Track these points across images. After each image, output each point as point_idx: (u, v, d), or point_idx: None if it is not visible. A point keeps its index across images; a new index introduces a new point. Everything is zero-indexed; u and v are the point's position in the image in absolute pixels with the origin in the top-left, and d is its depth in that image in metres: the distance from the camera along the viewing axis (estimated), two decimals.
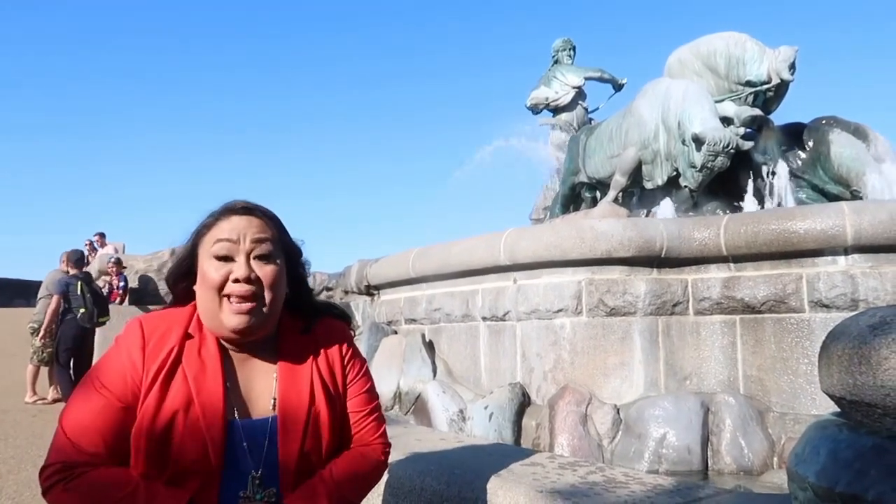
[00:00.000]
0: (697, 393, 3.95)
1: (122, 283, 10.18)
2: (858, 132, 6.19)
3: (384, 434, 1.51)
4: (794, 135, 6.36)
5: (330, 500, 1.31)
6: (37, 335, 7.81)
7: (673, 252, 4.17)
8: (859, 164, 5.88)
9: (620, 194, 6.93)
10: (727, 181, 6.31)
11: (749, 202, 6.07)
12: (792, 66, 6.22)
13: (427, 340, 5.33)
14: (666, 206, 6.26)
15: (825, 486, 1.22)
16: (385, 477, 2.28)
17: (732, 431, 3.70)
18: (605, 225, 4.30)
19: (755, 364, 3.93)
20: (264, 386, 1.37)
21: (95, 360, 5.65)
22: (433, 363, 5.15)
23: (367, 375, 1.52)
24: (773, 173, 6.11)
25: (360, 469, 1.41)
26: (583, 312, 4.20)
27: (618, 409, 3.96)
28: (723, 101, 6.38)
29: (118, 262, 10.35)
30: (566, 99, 9.91)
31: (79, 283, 7.36)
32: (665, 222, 4.44)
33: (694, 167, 5.94)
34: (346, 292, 7.25)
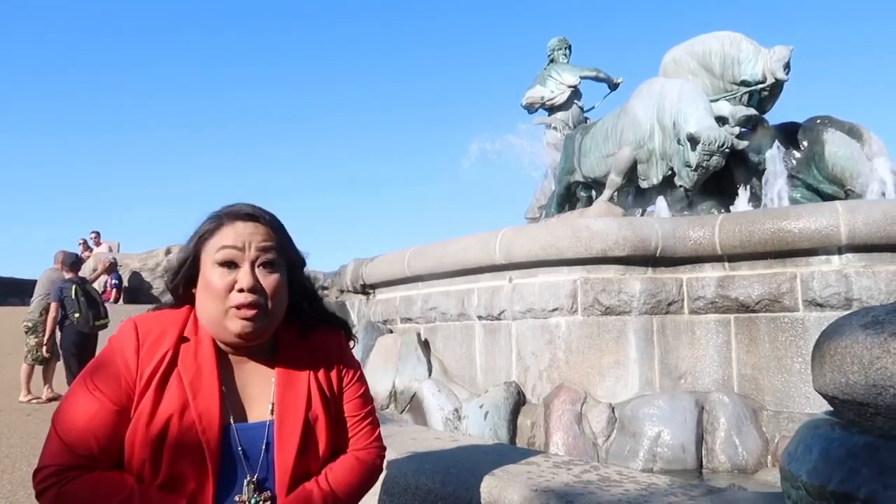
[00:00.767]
0: (692, 392, 3.96)
1: (115, 282, 10.15)
2: (853, 132, 6.21)
3: (379, 438, 1.51)
4: (788, 134, 6.37)
5: None
6: (31, 334, 7.78)
7: (668, 251, 4.18)
8: (854, 163, 5.91)
9: (616, 193, 6.94)
10: (722, 181, 6.33)
11: (743, 201, 6.09)
12: (787, 66, 6.23)
13: (422, 339, 5.33)
14: (661, 206, 6.27)
15: (817, 484, 1.23)
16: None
17: (727, 430, 3.71)
18: (600, 224, 4.31)
19: (749, 363, 3.95)
20: (262, 391, 1.36)
21: None
22: (429, 362, 5.15)
23: (362, 380, 1.52)
24: (765, 171, 6.13)
25: (356, 474, 1.41)
26: (578, 311, 4.21)
27: (613, 408, 3.97)
28: (718, 100, 6.40)
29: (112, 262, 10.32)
30: (562, 98, 9.90)
31: (73, 287, 7.33)
32: (660, 221, 4.45)
33: (689, 166, 5.96)
34: (342, 291, 7.24)
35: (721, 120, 6.19)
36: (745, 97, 6.42)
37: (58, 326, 7.42)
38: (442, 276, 5.24)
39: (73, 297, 7.24)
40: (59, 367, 7.72)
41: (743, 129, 6.29)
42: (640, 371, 4.10)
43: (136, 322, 1.34)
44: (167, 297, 1.44)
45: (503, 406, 4.23)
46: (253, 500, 1.27)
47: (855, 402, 1.24)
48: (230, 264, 1.30)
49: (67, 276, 7.61)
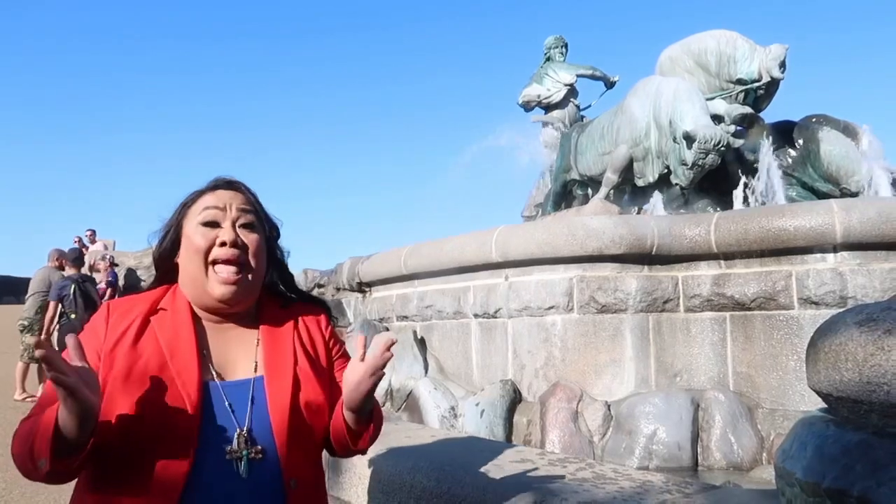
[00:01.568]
0: (688, 390, 3.97)
1: (111, 280, 10.14)
2: (848, 130, 6.23)
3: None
4: (784, 133, 6.39)
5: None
6: (26, 332, 7.76)
7: (664, 249, 4.18)
8: (849, 162, 5.92)
9: (612, 191, 6.95)
10: (718, 179, 6.34)
11: (739, 200, 6.10)
12: (782, 65, 6.25)
13: (419, 337, 5.33)
14: (657, 203, 6.28)
15: (812, 481, 1.23)
16: (373, 472, 2.28)
17: (722, 428, 3.72)
18: (596, 222, 4.31)
19: (745, 361, 3.95)
20: (245, 353, 1.38)
21: None
22: (425, 360, 5.15)
23: (348, 355, 1.54)
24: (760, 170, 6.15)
25: (379, 412, 1.53)
26: (574, 309, 4.21)
27: (609, 406, 3.98)
28: (714, 98, 6.41)
29: (108, 259, 10.30)
30: (558, 96, 9.89)
31: (72, 286, 7.30)
32: (656, 219, 4.45)
33: (685, 165, 5.96)
34: (338, 289, 7.24)
35: (717, 118, 6.20)
36: (741, 95, 6.44)
37: (57, 325, 7.39)
38: (438, 274, 5.24)
39: (72, 296, 7.23)
40: None
41: (738, 128, 6.30)
42: (636, 369, 4.11)
43: (110, 302, 1.40)
44: (155, 277, 1.49)
45: (499, 404, 4.23)
46: (244, 453, 1.25)
47: (849, 400, 1.24)
48: (213, 224, 1.36)
49: (69, 271, 7.59)
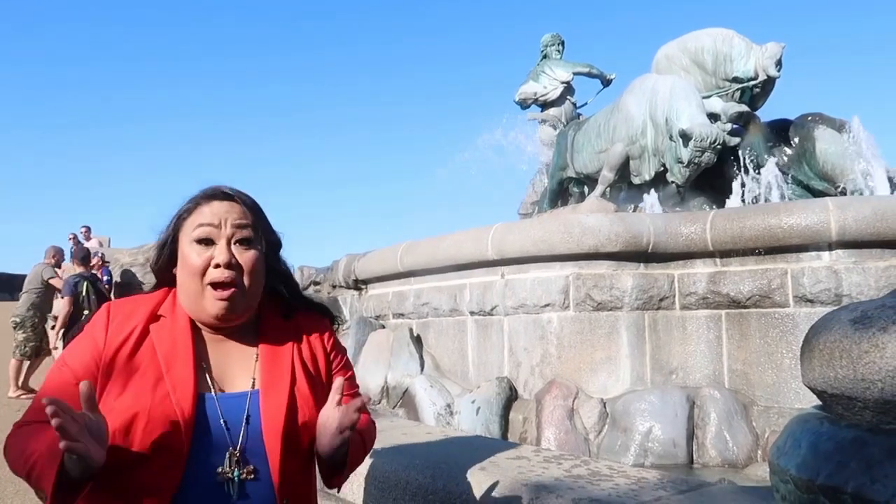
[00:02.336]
0: (683, 387, 3.98)
1: (106, 277, 10.11)
2: (843, 129, 6.23)
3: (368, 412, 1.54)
4: (780, 131, 6.39)
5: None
6: (19, 329, 7.73)
7: (660, 247, 4.19)
8: (845, 160, 5.93)
9: (608, 189, 6.95)
10: (714, 177, 6.34)
11: (735, 198, 6.11)
12: (778, 63, 6.25)
13: (415, 335, 5.33)
14: (652, 201, 6.29)
15: (806, 478, 1.23)
16: (369, 469, 2.28)
17: (717, 425, 3.73)
18: (592, 220, 4.31)
19: (740, 358, 3.96)
20: (243, 367, 1.36)
21: None
22: (421, 357, 5.15)
23: (348, 366, 1.53)
24: (760, 168, 6.15)
25: (371, 426, 1.54)
26: (570, 307, 4.21)
27: (604, 404, 3.98)
28: (710, 97, 6.41)
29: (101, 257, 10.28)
30: (554, 94, 9.89)
31: (85, 283, 7.27)
32: (652, 217, 4.46)
33: (681, 163, 5.97)
34: (334, 286, 7.23)
35: (713, 116, 6.20)
36: (737, 94, 6.44)
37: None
38: (434, 272, 5.24)
39: (85, 293, 7.21)
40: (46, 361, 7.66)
41: (735, 126, 6.30)
42: (632, 366, 4.11)
43: (110, 304, 1.38)
44: (155, 284, 1.47)
45: (495, 401, 4.24)
46: (235, 474, 1.23)
47: (843, 397, 1.25)
48: (207, 241, 1.32)
49: (78, 270, 7.58)
